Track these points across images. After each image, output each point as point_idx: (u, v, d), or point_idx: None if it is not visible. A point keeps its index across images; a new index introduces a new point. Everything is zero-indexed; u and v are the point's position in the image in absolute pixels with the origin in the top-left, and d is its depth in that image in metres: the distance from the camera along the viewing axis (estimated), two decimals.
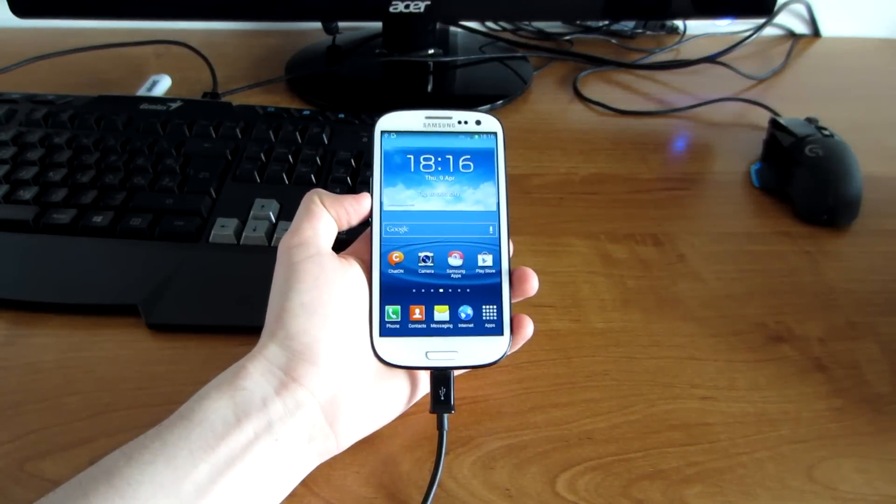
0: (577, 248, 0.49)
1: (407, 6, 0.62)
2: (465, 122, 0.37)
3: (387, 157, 0.37)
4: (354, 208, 0.36)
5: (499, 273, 0.35)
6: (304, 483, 0.33)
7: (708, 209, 0.54)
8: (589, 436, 0.37)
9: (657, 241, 0.50)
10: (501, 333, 0.34)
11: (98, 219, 0.46)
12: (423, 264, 0.35)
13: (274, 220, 0.47)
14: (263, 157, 0.52)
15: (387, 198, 0.36)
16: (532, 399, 0.39)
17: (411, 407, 0.36)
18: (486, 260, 0.35)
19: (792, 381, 0.40)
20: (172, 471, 0.28)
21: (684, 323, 0.44)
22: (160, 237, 0.46)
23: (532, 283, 0.35)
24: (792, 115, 0.59)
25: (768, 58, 0.79)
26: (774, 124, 0.57)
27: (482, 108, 0.66)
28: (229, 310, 0.42)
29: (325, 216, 0.35)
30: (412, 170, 0.36)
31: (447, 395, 0.33)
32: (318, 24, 0.74)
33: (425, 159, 0.37)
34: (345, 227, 0.36)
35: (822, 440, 0.37)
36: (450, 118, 0.38)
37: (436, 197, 0.36)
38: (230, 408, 0.30)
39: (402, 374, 0.35)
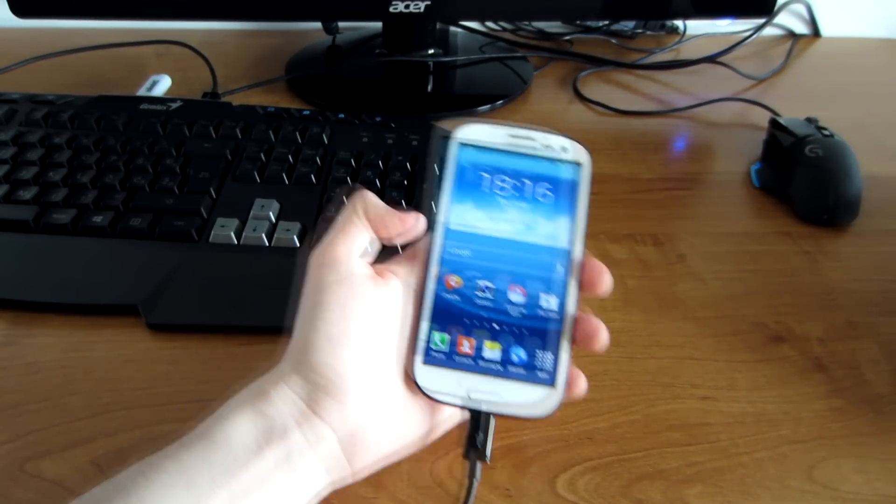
0: None
1: (407, 6, 0.62)
2: (550, 147, 0.34)
3: (461, 171, 0.33)
4: (402, 229, 0.33)
5: (561, 319, 0.32)
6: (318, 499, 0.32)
7: (708, 209, 0.54)
8: (589, 436, 0.37)
9: (657, 241, 0.50)
10: (553, 385, 0.31)
11: (98, 219, 0.46)
12: (480, 294, 0.32)
13: (274, 220, 0.47)
14: (263, 157, 0.52)
15: (454, 215, 0.33)
16: None
17: (430, 443, 0.35)
18: (549, 301, 0.32)
19: (792, 381, 0.40)
20: (192, 495, 0.27)
21: (684, 323, 0.44)
22: (160, 237, 0.46)
23: (601, 339, 0.32)
24: (792, 115, 0.59)
25: (768, 58, 0.79)
26: (774, 124, 0.57)
27: (482, 109, 0.66)
28: (229, 310, 0.42)
29: (362, 231, 0.32)
30: (485, 189, 0.33)
31: (484, 442, 0.30)
32: (318, 24, 0.74)
33: (501, 180, 0.33)
34: (389, 243, 0.33)
35: (822, 440, 0.37)
36: (533, 139, 0.34)
37: (506, 223, 0.33)
38: (251, 432, 0.29)
39: (425, 409, 0.32)
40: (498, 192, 0.33)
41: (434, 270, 0.32)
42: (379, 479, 0.34)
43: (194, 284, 0.43)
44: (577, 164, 0.34)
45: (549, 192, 0.34)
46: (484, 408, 0.31)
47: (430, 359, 0.31)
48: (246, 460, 0.28)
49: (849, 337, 0.43)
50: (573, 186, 0.34)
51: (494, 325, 0.32)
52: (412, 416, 0.32)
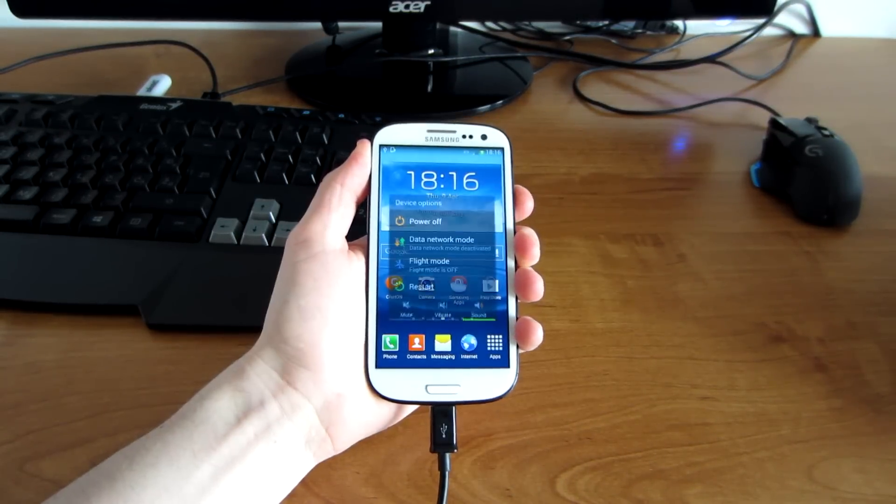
0: (577, 248, 0.49)
1: (407, 6, 0.62)
2: (471, 137, 0.35)
3: (385, 172, 0.34)
4: (365, 166, 0.34)
5: (505, 300, 0.33)
6: (304, 483, 0.33)
7: (708, 209, 0.54)
8: (589, 436, 0.37)
9: (657, 241, 0.50)
10: (508, 366, 0.32)
11: (98, 219, 0.46)
12: (423, 289, 0.33)
13: (274, 220, 0.47)
14: (263, 157, 0.52)
15: (384, 217, 0.34)
16: (532, 399, 0.39)
17: (409, 414, 0.36)
18: (491, 286, 0.33)
19: (792, 381, 0.40)
20: (175, 472, 0.28)
21: (684, 323, 0.44)
22: (160, 237, 0.46)
23: (535, 288, 0.33)
24: (792, 115, 0.59)
25: (768, 58, 0.79)
26: (774, 124, 0.57)
27: (482, 109, 0.66)
28: (229, 310, 0.42)
29: (338, 207, 0.33)
30: (412, 187, 0.34)
31: (449, 432, 0.31)
32: (318, 24, 0.74)
33: (427, 176, 0.34)
34: (361, 191, 0.34)
35: (822, 440, 0.37)
36: (454, 132, 0.35)
37: (437, 217, 0.34)
38: (230, 409, 0.30)
39: None
40: (425, 187, 0.34)
41: (374, 274, 0.33)
42: (379, 479, 0.34)
43: (194, 284, 0.43)
44: (499, 150, 0.35)
45: (474, 180, 0.34)
46: (444, 399, 0.31)
47: (383, 362, 0.32)
48: (225, 433, 0.29)
49: (849, 337, 0.43)
50: (497, 171, 0.35)
51: (441, 318, 0.32)
52: None
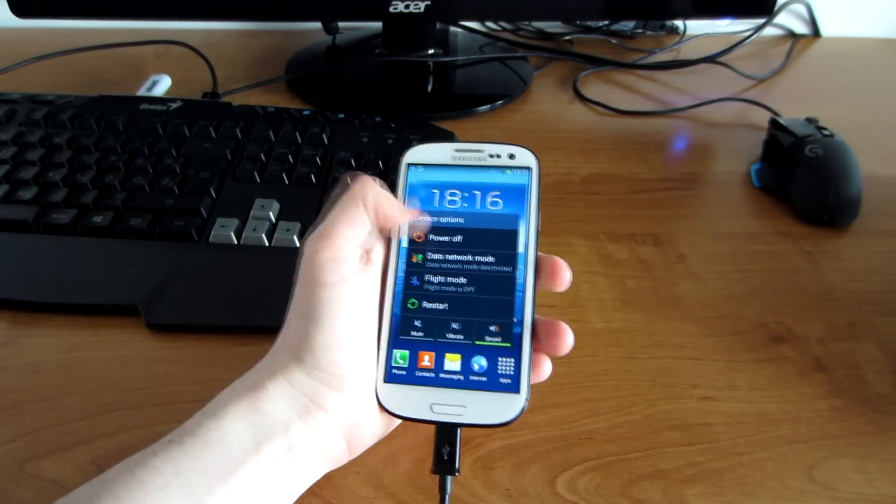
0: (577, 248, 0.49)
1: (407, 6, 0.62)
2: (498, 157, 0.34)
3: (411, 191, 0.34)
4: (400, 219, 0.33)
5: (520, 323, 0.32)
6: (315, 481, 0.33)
7: (708, 209, 0.54)
8: (589, 436, 0.37)
9: (657, 241, 0.50)
10: (518, 391, 0.31)
11: (98, 219, 0.46)
12: (438, 307, 0.32)
13: (274, 220, 0.47)
14: (263, 157, 0.52)
15: (405, 233, 0.34)
16: (532, 399, 0.38)
17: None
18: (508, 308, 0.32)
19: (792, 381, 0.40)
20: (187, 497, 0.26)
21: (684, 323, 0.44)
22: (160, 237, 0.46)
23: (566, 341, 0.31)
24: (792, 115, 0.59)
25: (768, 58, 0.79)
26: (774, 124, 0.57)
27: (482, 109, 0.66)
28: (229, 310, 0.42)
29: (359, 222, 0.32)
30: (436, 205, 0.34)
31: (451, 454, 0.31)
32: (318, 24, 0.74)
33: (451, 194, 0.34)
34: (381, 227, 0.33)
35: (822, 440, 0.37)
36: (481, 151, 0.34)
37: (458, 235, 0.33)
38: (249, 431, 0.28)
39: None
40: (448, 205, 0.34)
41: (391, 289, 0.33)
42: (379, 479, 0.34)
43: (194, 284, 0.43)
44: (527, 169, 0.34)
45: (498, 199, 0.34)
46: (447, 420, 0.31)
47: (391, 376, 0.31)
48: (244, 458, 0.28)
49: (849, 337, 0.43)
50: (522, 191, 0.34)
51: (453, 337, 0.32)
52: None
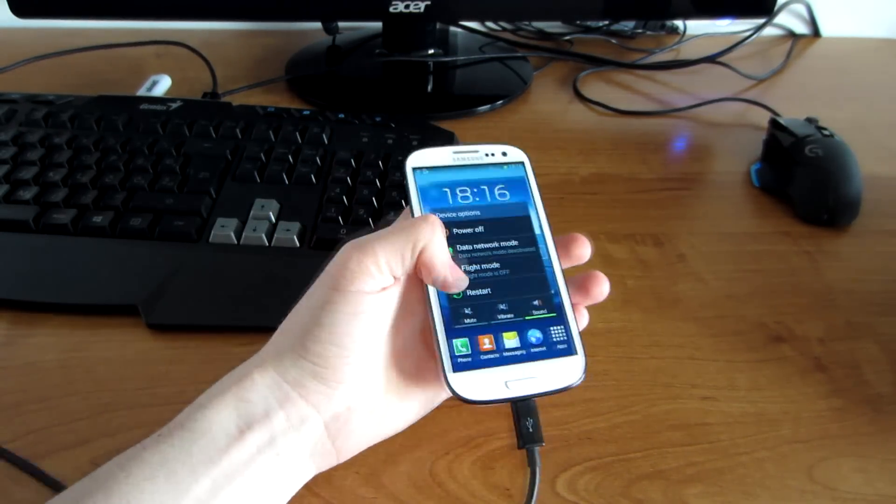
0: None
1: (407, 6, 0.62)
2: (493, 155, 0.37)
3: (423, 191, 0.35)
4: (430, 281, 0.32)
5: (558, 293, 0.34)
6: (304, 484, 0.33)
7: (708, 209, 0.54)
8: (589, 436, 0.37)
9: (657, 241, 0.50)
10: (575, 352, 0.33)
11: (98, 219, 0.46)
12: (481, 293, 0.33)
13: (274, 220, 0.47)
14: (263, 157, 0.52)
15: None
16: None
17: (418, 415, 0.36)
18: (543, 282, 0.34)
19: (792, 381, 0.40)
20: (173, 486, 0.27)
21: (684, 323, 0.44)
22: (160, 237, 0.46)
23: (602, 288, 0.35)
24: (792, 115, 0.59)
25: (768, 58, 0.79)
26: (774, 124, 0.57)
27: (482, 109, 0.66)
28: (229, 310, 0.42)
29: (405, 256, 0.31)
30: (450, 202, 0.35)
31: (535, 425, 0.32)
32: (318, 24, 0.74)
33: (461, 190, 0.36)
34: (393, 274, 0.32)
35: (822, 440, 0.37)
36: (476, 151, 0.37)
37: (479, 225, 0.35)
38: (233, 419, 0.29)
39: (414, 396, 0.34)
40: (462, 200, 0.36)
41: (433, 288, 0.33)
42: (379, 479, 0.34)
43: (194, 284, 0.43)
44: (520, 163, 0.37)
45: (504, 191, 0.36)
46: (525, 392, 0.32)
47: (459, 366, 0.32)
48: (227, 446, 0.28)
49: (849, 337, 0.43)
50: (522, 181, 0.37)
51: (503, 318, 0.33)
52: (401, 401, 0.33)
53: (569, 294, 0.34)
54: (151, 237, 0.46)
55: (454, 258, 0.33)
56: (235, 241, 0.46)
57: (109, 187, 0.48)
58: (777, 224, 0.53)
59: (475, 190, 0.36)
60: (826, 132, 0.55)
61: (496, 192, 0.36)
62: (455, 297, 0.33)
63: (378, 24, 0.72)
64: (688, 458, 0.36)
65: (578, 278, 0.35)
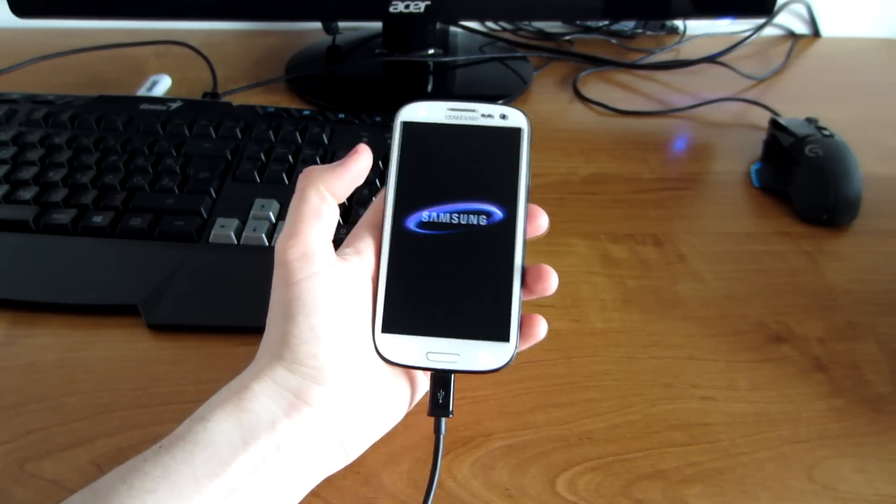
0: (577, 248, 0.49)
1: (407, 6, 0.62)
2: (490, 116, 0.35)
3: (404, 148, 0.35)
4: (355, 173, 0.33)
5: (509, 277, 0.33)
6: (311, 489, 0.33)
7: (708, 209, 0.54)
8: (589, 436, 0.37)
9: (657, 241, 0.50)
10: (507, 340, 0.32)
11: (98, 219, 0.46)
12: (432, 259, 0.33)
13: (274, 220, 0.47)
14: (263, 157, 0.52)
15: (402, 187, 0.34)
16: (532, 399, 0.39)
17: (412, 407, 0.36)
18: (499, 261, 0.33)
19: (792, 381, 0.40)
20: (177, 498, 0.27)
21: (684, 323, 0.44)
22: (160, 237, 0.46)
23: (550, 283, 0.33)
24: (792, 115, 0.59)
25: (768, 58, 0.79)
26: (774, 124, 0.57)
27: None
28: (229, 310, 0.42)
29: (325, 212, 0.32)
30: (431, 163, 0.34)
31: (446, 398, 0.33)
32: (318, 24, 0.74)
33: (443, 153, 0.35)
34: (344, 199, 0.34)
35: (822, 440, 0.37)
36: (474, 111, 0.35)
37: (452, 192, 0.34)
38: (236, 430, 0.29)
39: (403, 376, 0.34)
40: (442, 163, 0.34)
41: (387, 243, 0.33)
42: (379, 479, 0.34)
43: (194, 284, 0.43)
44: (517, 130, 0.35)
45: (490, 158, 0.34)
46: (443, 367, 0.32)
47: (388, 327, 0.32)
48: (230, 458, 0.28)
49: (849, 337, 0.43)
50: (514, 150, 0.35)
51: (447, 288, 0.33)
52: (392, 386, 0.33)
53: (521, 283, 0.33)
54: (151, 237, 0.46)
55: (411, 223, 0.33)
56: (235, 241, 0.46)
57: (109, 187, 0.48)
58: (777, 224, 0.53)
59: (459, 154, 0.34)
60: (826, 132, 0.55)
61: (481, 158, 0.34)
62: (406, 258, 0.33)
63: (378, 24, 0.72)
64: (688, 459, 0.36)
65: (529, 270, 0.33)
